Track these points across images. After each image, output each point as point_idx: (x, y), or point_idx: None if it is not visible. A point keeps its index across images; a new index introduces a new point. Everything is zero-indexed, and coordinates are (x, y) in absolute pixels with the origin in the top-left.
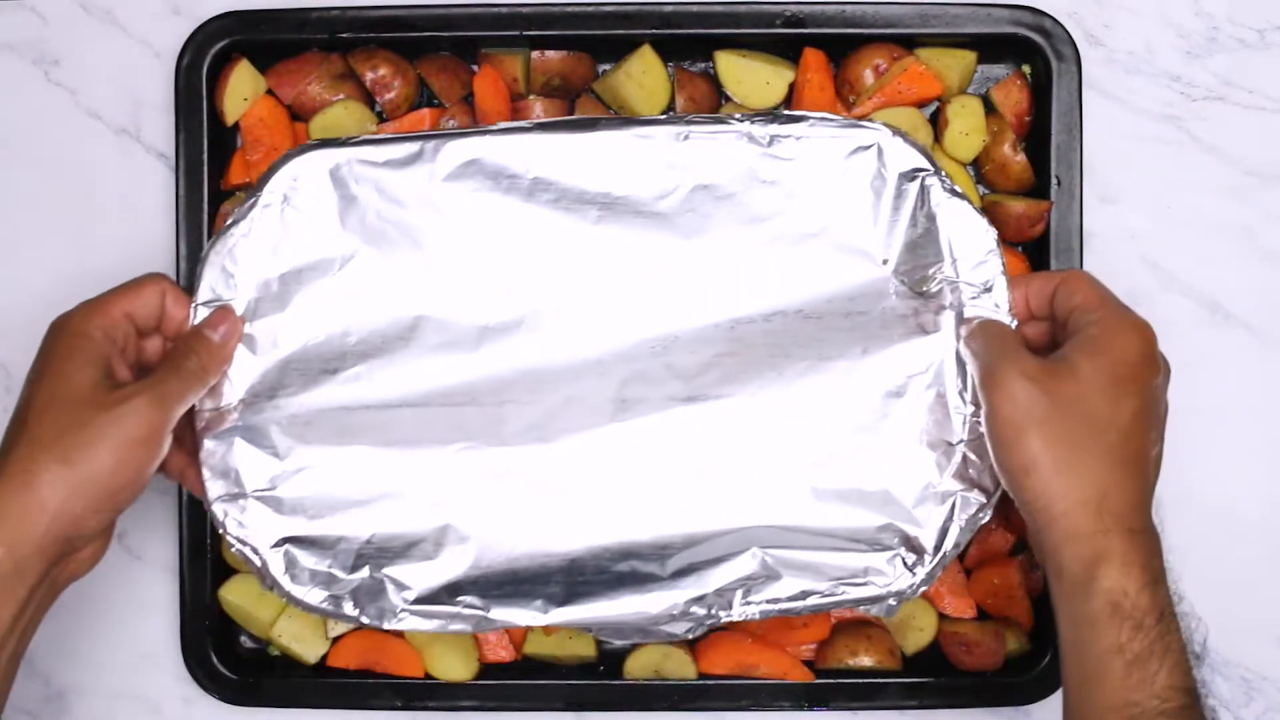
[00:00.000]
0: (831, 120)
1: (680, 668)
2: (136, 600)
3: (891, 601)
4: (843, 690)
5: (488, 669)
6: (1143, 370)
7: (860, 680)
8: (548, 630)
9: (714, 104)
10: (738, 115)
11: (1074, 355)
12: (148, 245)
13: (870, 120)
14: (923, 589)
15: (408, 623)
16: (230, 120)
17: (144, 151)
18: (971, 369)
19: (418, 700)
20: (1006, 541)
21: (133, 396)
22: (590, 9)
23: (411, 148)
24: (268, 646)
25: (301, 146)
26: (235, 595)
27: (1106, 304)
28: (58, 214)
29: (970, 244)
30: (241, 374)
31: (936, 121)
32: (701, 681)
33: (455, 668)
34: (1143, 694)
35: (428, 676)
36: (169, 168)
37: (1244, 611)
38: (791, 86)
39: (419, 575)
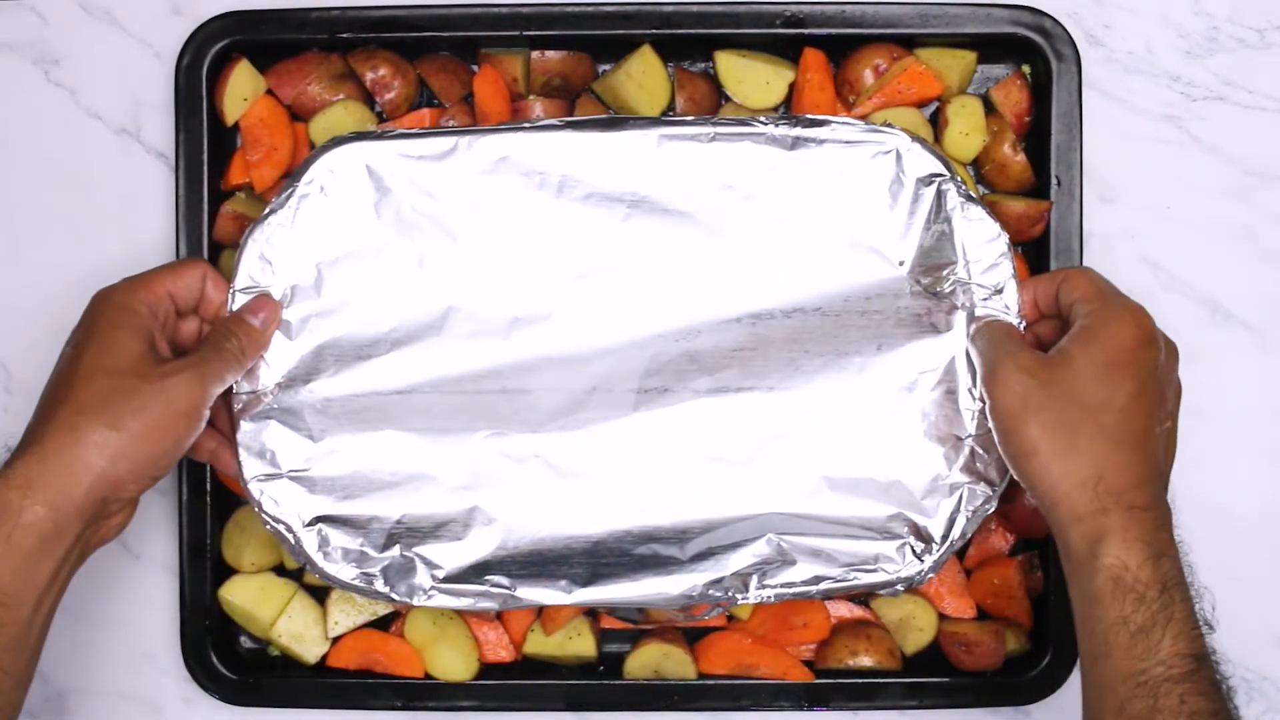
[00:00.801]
0: (852, 125)
1: (680, 668)
2: (136, 600)
3: (899, 587)
4: (843, 690)
5: (488, 669)
6: (1138, 353)
7: (860, 680)
8: (555, 622)
9: (714, 104)
10: (762, 118)
11: (1069, 345)
12: (147, 244)
13: (889, 125)
14: (930, 575)
15: (436, 600)
16: (230, 120)
17: (144, 151)
18: (976, 365)
19: (417, 700)
20: (1006, 542)
21: (178, 371)
22: (590, 9)
23: (446, 142)
24: (267, 646)
25: (337, 138)
26: (235, 595)
27: (1103, 295)
28: (57, 213)
29: (983, 248)
30: (278, 358)
31: (936, 121)
32: (701, 681)
33: (455, 668)
34: (1149, 663)
35: (428, 677)
36: (169, 167)
37: (1244, 611)
38: (791, 86)
39: (448, 555)
